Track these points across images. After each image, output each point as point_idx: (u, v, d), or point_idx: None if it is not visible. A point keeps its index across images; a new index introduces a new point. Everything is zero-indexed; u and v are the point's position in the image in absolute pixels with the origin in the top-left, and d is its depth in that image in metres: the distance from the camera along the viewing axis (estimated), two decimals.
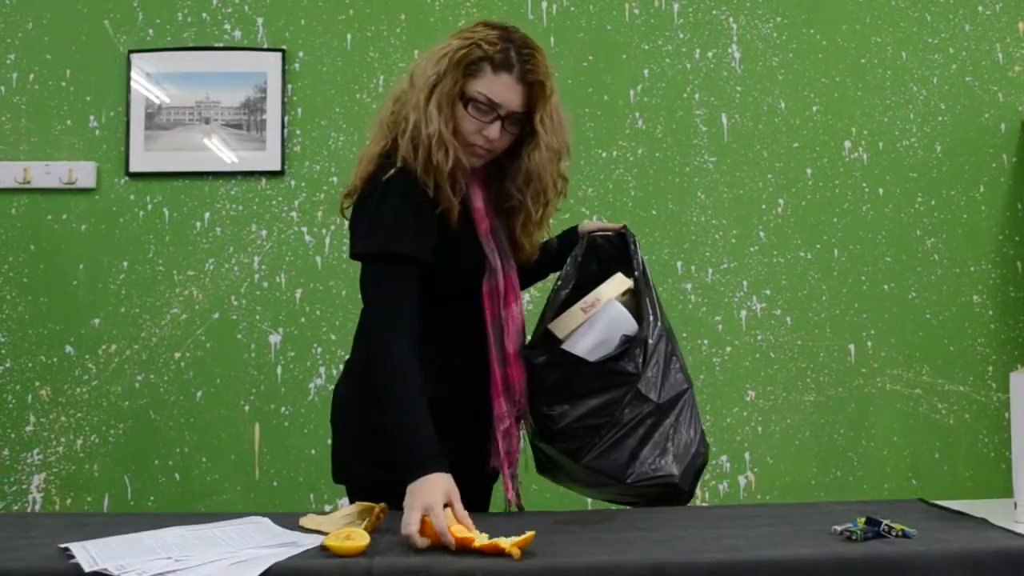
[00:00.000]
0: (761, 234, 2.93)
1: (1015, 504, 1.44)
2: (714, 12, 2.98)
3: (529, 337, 1.77)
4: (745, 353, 2.89)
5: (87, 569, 1.16)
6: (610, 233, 1.81)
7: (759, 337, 2.90)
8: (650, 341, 1.65)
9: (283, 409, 2.82)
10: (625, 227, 1.80)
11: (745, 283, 2.91)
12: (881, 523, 1.31)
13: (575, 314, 1.69)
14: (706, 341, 2.89)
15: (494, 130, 1.61)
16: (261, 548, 1.26)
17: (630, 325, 1.65)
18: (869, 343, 2.90)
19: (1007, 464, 2.66)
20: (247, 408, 2.82)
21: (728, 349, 2.89)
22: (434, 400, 1.63)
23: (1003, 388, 2.87)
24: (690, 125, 2.95)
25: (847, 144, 2.96)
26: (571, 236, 1.86)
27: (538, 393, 1.68)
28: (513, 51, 1.60)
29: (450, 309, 1.66)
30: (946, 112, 2.98)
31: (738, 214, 2.93)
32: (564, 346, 1.67)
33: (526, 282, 1.86)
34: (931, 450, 2.88)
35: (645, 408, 1.62)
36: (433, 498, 1.34)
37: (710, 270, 2.91)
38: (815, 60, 2.98)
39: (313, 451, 2.79)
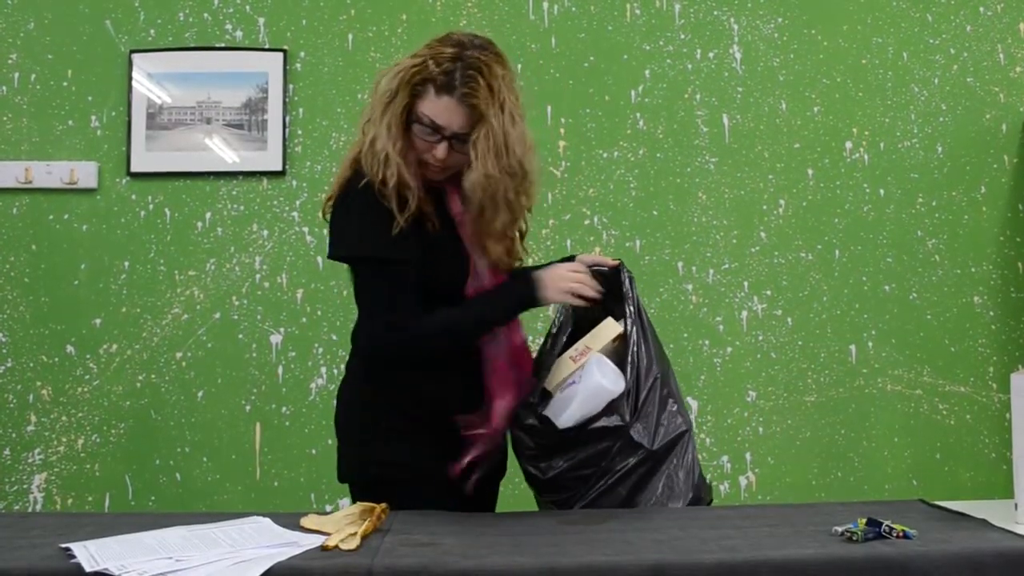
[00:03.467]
0: (762, 235, 2.93)
1: (1016, 505, 1.44)
2: (715, 13, 2.98)
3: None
4: (746, 354, 2.89)
5: (88, 569, 1.16)
6: (605, 269, 1.75)
7: (760, 338, 2.90)
8: (643, 388, 1.61)
9: (284, 409, 2.82)
10: (621, 263, 1.74)
11: (746, 283, 2.91)
12: (882, 524, 1.31)
13: (565, 363, 1.66)
14: (707, 341, 2.89)
15: (441, 150, 1.61)
16: (262, 548, 1.26)
17: (617, 386, 1.60)
18: (870, 344, 2.90)
19: (1008, 465, 2.66)
20: (248, 408, 2.82)
21: (729, 350, 2.89)
22: (424, 405, 1.63)
23: (1004, 389, 2.87)
24: (691, 126, 2.95)
25: (848, 145, 2.96)
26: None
27: (522, 451, 1.66)
28: (458, 73, 1.58)
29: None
30: (947, 113, 2.97)
31: (739, 214, 2.93)
32: (548, 412, 1.62)
33: None
34: (932, 451, 2.88)
35: (637, 455, 1.59)
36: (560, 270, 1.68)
37: (711, 270, 2.91)
38: (816, 61, 2.98)
39: (314, 451, 2.79)
